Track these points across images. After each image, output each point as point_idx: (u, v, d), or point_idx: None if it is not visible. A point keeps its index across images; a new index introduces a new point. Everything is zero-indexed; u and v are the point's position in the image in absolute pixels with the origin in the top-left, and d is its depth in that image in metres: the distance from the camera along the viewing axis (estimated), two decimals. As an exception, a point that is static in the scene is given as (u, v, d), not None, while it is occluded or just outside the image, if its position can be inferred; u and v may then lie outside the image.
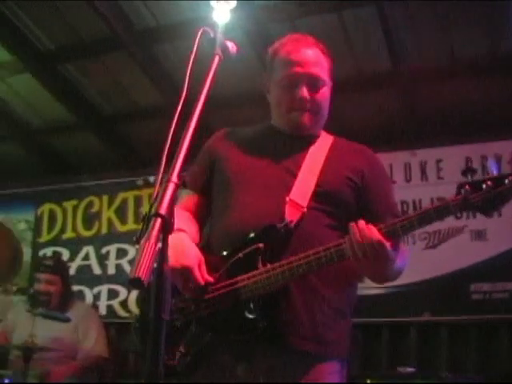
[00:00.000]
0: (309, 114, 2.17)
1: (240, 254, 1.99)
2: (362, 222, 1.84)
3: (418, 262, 4.72)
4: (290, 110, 2.17)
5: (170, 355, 2.01)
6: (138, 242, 1.31)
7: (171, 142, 1.51)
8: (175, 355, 2.01)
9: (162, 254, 1.33)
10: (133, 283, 1.22)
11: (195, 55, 1.72)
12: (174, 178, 1.42)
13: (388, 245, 1.82)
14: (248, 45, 4.48)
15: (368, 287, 4.54)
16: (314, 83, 2.16)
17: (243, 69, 4.08)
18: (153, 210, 1.34)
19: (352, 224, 1.84)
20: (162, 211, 1.33)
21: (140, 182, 5.80)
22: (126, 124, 5.80)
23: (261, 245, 1.96)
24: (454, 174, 4.65)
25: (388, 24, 4.11)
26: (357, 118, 4.95)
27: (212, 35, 1.85)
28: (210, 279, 1.97)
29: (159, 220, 1.32)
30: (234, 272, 1.98)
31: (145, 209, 1.37)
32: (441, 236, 4.68)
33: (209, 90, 1.71)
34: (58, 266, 4.82)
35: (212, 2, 3.95)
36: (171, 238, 1.98)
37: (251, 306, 1.93)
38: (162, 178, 1.43)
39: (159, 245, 1.31)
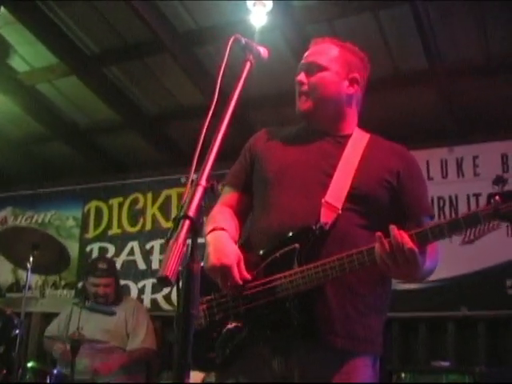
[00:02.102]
0: (304, 97, 2.21)
1: (277, 254, 2.05)
2: (393, 229, 1.85)
3: (454, 258, 4.70)
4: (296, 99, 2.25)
5: (209, 348, 2.10)
6: (167, 242, 1.38)
7: (203, 143, 1.62)
8: (214, 348, 2.10)
9: (191, 254, 1.42)
10: (161, 281, 1.31)
11: (227, 62, 1.81)
12: (203, 181, 1.51)
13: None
14: (286, 46, 4.56)
15: (405, 282, 4.61)
16: (310, 69, 2.22)
17: (281, 70, 4.17)
18: (182, 212, 1.42)
19: (378, 234, 1.86)
20: (191, 213, 1.42)
21: (183, 179, 5.92)
22: (170, 124, 5.93)
23: (297, 245, 2.02)
24: (490, 171, 4.68)
25: (422, 23, 4.14)
26: (394, 115, 4.99)
27: (243, 42, 1.94)
28: (248, 277, 2.04)
29: (188, 222, 1.41)
30: (270, 270, 2.04)
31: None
32: (477, 231, 4.66)
33: (239, 95, 1.81)
34: (112, 269, 4.98)
35: (248, 3, 4.08)
36: (211, 237, 2.10)
37: (286, 303, 1.99)
38: (192, 180, 1.51)
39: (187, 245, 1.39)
